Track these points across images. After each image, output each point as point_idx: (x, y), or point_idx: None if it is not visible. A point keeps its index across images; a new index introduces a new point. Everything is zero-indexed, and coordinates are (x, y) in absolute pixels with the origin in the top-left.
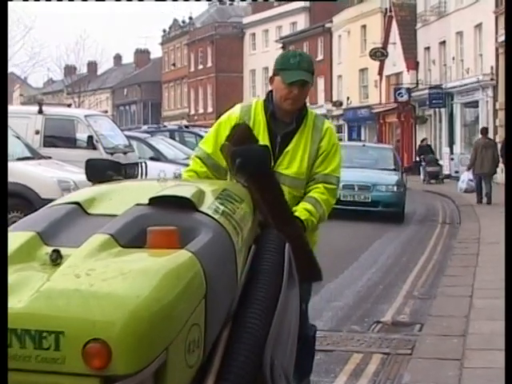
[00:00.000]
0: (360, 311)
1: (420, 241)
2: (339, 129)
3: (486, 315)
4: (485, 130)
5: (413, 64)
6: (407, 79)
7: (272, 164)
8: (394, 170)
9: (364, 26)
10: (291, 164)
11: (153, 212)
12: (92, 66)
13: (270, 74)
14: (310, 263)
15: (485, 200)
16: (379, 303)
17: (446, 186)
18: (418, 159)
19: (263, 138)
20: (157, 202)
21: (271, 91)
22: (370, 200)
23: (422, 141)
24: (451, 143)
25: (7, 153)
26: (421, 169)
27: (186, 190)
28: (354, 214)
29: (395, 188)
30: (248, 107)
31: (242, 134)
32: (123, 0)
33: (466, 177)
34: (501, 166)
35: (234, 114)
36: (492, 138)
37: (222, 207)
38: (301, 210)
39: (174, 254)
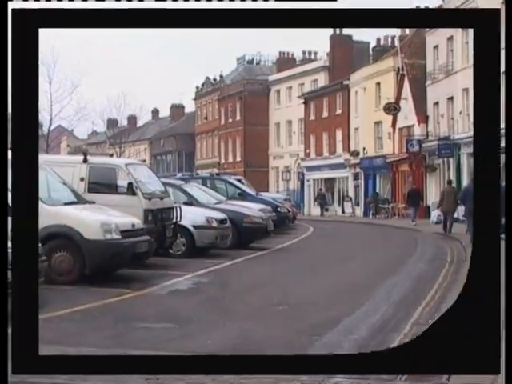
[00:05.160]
0: None
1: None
2: (356, 176)
3: None
4: (450, 181)
5: (423, 118)
6: (418, 131)
7: None
8: None
9: (378, 83)
10: None
11: None
12: (132, 119)
13: (294, 126)
14: None
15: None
16: None
17: (454, 229)
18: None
19: None
20: None
21: None
22: None
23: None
24: (459, 189)
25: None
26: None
27: None
28: None
29: None
30: None
31: None
32: (161, 61)
33: (436, 213)
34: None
35: None
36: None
37: None
38: None
39: None
